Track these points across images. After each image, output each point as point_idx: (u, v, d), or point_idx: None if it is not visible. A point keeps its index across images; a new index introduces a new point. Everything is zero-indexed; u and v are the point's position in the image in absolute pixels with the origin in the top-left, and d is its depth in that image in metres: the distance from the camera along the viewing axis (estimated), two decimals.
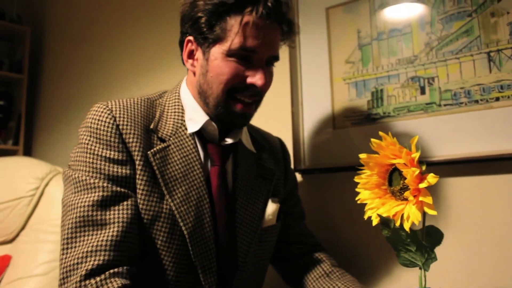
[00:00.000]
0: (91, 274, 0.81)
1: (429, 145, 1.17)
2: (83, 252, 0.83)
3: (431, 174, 0.65)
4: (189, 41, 1.00)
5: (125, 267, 0.85)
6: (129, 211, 0.89)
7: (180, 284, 0.94)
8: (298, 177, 1.38)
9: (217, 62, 0.95)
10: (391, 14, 1.28)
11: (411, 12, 1.25)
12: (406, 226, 0.65)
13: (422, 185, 0.64)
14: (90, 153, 0.92)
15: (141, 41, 1.97)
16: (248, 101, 0.98)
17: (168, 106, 1.03)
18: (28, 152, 2.52)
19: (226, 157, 1.03)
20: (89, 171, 0.90)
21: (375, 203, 0.71)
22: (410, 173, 0.65)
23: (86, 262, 0.82)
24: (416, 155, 0.65)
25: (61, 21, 2.50)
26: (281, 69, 1.46)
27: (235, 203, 1.03)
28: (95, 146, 0.92)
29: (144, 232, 0.91)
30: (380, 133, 0.70)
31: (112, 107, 0.95)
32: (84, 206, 0.86)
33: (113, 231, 0.85)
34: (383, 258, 1.23)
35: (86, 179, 0.89)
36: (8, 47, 2.74)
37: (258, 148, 1.13)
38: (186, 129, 1.00)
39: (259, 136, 1.19)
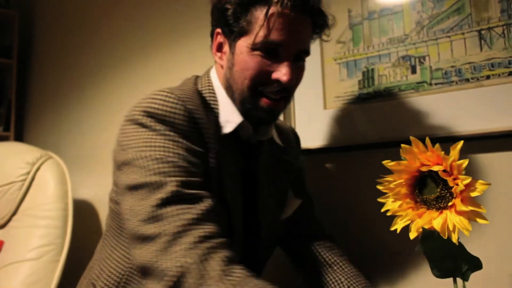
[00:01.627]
0: (199, 242, 0.75)
1: (420, 123, 1.17)
2: (182, 223, 0.77)
3: (480, 181, 0.60)
4: (218, 33, 0.97)
5: (223, 239, 0.79)
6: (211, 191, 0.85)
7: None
8: None
9: (243, 56, 0.91)
10: None
11: None
12: (455, 238, 0.60)
13: (475, 194, 0.60)
14: (170, 140, 0.85)
15: (135, 25, 1.94)
16: (275, 97, 0.93)
17: (208, 101, 0.97)
18: (19, 137, 2.50)
19: (255, 154, 1.02)
20: (174, 153, 0.84)
21: (409, 215, 0.65)
22: (459, 182, 0.60)
23: (191, 230, 0.76)
24: (464, 163, 0.61)
25: (50, 5, 2.46)
26: None
27: (260, 197, 1.03)
28: (174, 136, 0.86)
29: None
30: (411, 138, 0.64)
31: (182, 97, 0.90)
32: (174, 182, 0.80)
33: (207, 205, 0.81)
34: (375, 238, 1.24)
35: (173, 159, 0.83)
36: None
37: (283, 142, 1.12)
38: (222, 127, 0.95)
39: (277, 128, 1.15)
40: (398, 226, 0.65)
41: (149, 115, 0.86)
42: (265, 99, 0.93)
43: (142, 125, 0.86)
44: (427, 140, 0.62)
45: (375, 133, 1.23)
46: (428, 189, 0.64)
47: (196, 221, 0.77)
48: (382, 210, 0.67)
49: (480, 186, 0.59)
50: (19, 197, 1.52)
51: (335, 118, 1.30)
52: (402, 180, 0.66)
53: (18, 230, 1.48)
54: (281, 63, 0.90)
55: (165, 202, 0.78)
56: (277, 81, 0.91)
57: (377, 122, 1.23)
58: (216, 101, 0.97)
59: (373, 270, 1.22)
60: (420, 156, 0.64)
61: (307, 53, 0.96)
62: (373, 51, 1.27)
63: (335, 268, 1.12)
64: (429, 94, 1.17)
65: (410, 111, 1.19)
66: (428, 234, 0.64)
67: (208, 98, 0.97)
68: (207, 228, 0.77)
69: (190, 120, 0.88)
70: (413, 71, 1.20)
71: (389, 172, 0.67)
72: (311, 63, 1.35)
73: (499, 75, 1.10)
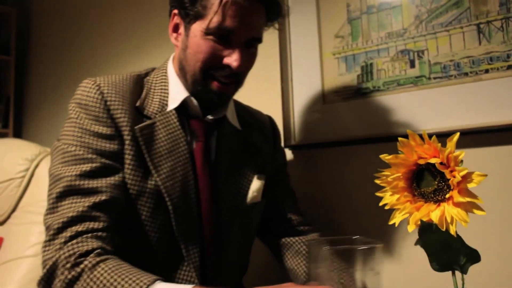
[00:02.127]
0: (75, 236, 0.83)
1: (418, 118, 1.17)
2: (67, 217, 0.84)
3: (477, 173, 0.60)
4: (174, 14, 1.00)
5: (108, 234, 0.87)
6: (117, 183, 0.90)
7: (164, 257, 0.95)
8: (288, 153, 1.38)
9: (196, 40, 0.94)
10: None
11: None
12: (453, 230, 0.60)
13: (472, 185, 0.60)
14: (79, 127, 0.93)
15: (133, 19, 1.94)
16: (225, 81, 0.97)
17: (155, 83, 1.03)
18: (18, 134, 2.50)
19: (210, 132, 1.03)
20: (77, 145, 0.91)
21: (407, 208, 0.65)
22: (456, 173, 0.60)
23: (71, 226, 0.84)
24: (461, 154, 0.60)
25: (48, 1, 2.46)
26: (270, 44, 1.44)
27: (221, 179, 1.03)
28: (84, 121, 0.93)
29: (129, 206, 0.92)
30: (408, 131, 0.64)
31: (100, 83, 0.96)
32: (72, 175, 0.87)
33: (100, 199, 0.87)
34: (374, 230, 1.24)
35: (75, 151, 0.90)
36: None
37: (245, 125, 1.12)
38: (168, 106, 1.00)
39: (247, 114, 1.18)
40: (396, 219, 0.65)
41: (72, 101, 0.96)
42: (216, 82, 0.97)
43: (68, 113, 0.96)
44: (424, 132, 0.62)
45: (374, 128, 1.23)
46: (426, 182, 0.64)
47: (81, 216, 0.85)
48: (380, 204, 0.67)
49: (477, 178, 0.59)
50: (18, 194, 1.52)
51: (335, 113, 1.30)
52: (399, 174, 0.65)
53: (18, 227, 1.47)
54: (232, 49, 0.94)
55: (62, 195, 0.87)
56: (228, 66, 0.95)
57: (376, 116, 1.23)
58: (166, 82, 1.02)
59: None
60: (417, 149, 0.63)
61: (259, 40, 1.00)
62: (371, 46, 1.27)
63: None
64: (428, 88, 1.17)
65: (409, 105, 1.18)
66: (426, 227, 0.63)
67: (156, 80, 1.03)
68: (88, 224, 0.85)
69: (102, 102, 0.93)
70: (412, 65, 1.20)
71: (388, 166, 0.67)
72: (310, 57, 1.35)
73: (497, 69, 1.09)
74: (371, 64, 1.26)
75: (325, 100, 1.32)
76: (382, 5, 1.26)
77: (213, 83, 0.97)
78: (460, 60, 1.14)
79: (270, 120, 1.24)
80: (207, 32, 0.93)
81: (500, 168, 1.09)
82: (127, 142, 0.93)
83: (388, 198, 0.66)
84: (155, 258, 0.94)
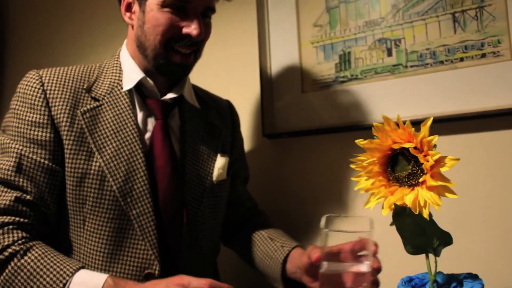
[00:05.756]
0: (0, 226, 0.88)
1: (395, 106, 1.18)
2: None
3: (449, 157, 0.61)
4: None
5: (34, 225, 0.92)
6: (45, 179, 0.94)
7: (119, 236, 0.96)
8: (267, 142, 1.39)
9: (153, 13, 0.97)
10: None
11: None
12: (425, 213, 0.61)
13: (444, 169, 0.61)
14: (15, 117, 0.96)
15: (112, 7, 1.91)
16: (186, 51, 1.01)
17: (107, 68, 1.06)
18: None
19: (168, 111, 1.05)
20: (13, 135, 0.95)
21: (382, 192, 0.66)
22: (429, 158, 0.61)
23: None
24: (434, 139, 0.61)
25: None
26: (249, 33, 1.44)
27: (185, 157, 1.05)
28: (20, 110, 0.96)
29: (75, 191, 0.95)
30: (383, 115, 0.65)
31: (42, 73, 0.99)
32: (2, 168, 0.92)
33: (25, 195, 0.91)
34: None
35: (8, 143, 0.94)
36: None
37: (204, 106, 1.15)
38: (122, 88, 1.02)
39: (205, 95, 1.21)
40: (371, 204, 0.66)
41: (15, 92, 1.00)
42: (177, 55, 1.00)
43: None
44: (398, 117, 0.63)
45: (352, 116, 1.24)
46: (400, 166, 0.65)
47: (7, 209, 0.89)
48: (356, 188, 0.68)
49: (449, 162, 0.60)
50: None
51: (313, 101, 1.31)
52: (374, 159, 0.66)
53: None
54: (190, 19, 0.98)
55: None
56: (188, 35, 0.98)
57: (354, 104, 1.24)
58: (117, 66, 1.05)
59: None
60: (391, 134, 0.64)
61: (213, 10, 1.04)
62: (349, 34, 1.27)
63: (273, 237, 1.14)
64: (405, 76, 1.19)
65: (386, 93, 1.20)
66: (400, 211, 0.65)
67: (108, 65, 1.06)
68: (14, 218, 0.89)
69: (40, 91, 0.97)
70: (389, 54, 1.21)
71: (364, 152, 0.68)
72: (289, 46, 1.35)
73: (472, 57, 1.11)
74: (349, 52, 1.27)
75: (303, 89, 1.33)
76: None
77: (174, 55, 1.00)
78: (436, 48, 1.15)
79: (228, 104, 1.27)
80: (164, 4, 0.96)
81: (475, 154, 1.11)
82: (66, 128, 0.95)
83: (363, 183, 0.68)
84: (110, 238, 0.95)
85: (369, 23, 1.25)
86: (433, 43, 1.16)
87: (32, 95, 0.96)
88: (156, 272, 0.95)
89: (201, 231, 1.05)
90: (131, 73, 1.03)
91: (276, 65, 1.37)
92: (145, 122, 1.03)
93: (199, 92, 1.19)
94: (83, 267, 0.87)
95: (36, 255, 0.86)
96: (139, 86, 1.03)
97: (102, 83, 1.02)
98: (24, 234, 0.89)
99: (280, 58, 1.37)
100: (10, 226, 0.88)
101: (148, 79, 1.03)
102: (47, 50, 2.17)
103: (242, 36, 1.47)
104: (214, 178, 1.09)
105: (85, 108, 0.97)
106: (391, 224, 0.67)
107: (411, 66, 1.18)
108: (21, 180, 0.91)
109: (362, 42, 1.25)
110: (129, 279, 0.95)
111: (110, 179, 0.94)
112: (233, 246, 1.24)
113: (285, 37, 1.36)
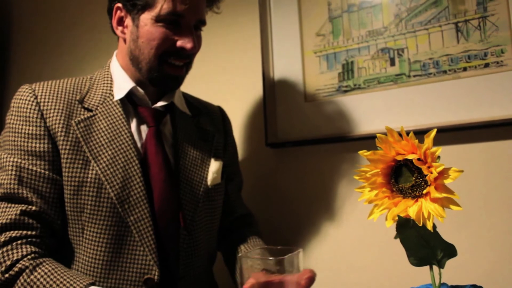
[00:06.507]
0: (8, 242, 0.89)
1: (398, 115, 1.18)
2: (1, 223, 0.90)
3: (453, 168, 0.60)
4: (118, 8, 1.04)
5: (42, 239, 0.92)
6: (47, 189, 0.95)
7: (118, 243, 0.97)
8: (270, 151, 1.39)
9: (147, 28, 1.00)
10: None
11: None
12: (429, 225, 0.61)
13: (448, 181, 0.60)
14: (11, 132, 0.98)
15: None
16: (179, 64, 1.03)
17: (98, 80, 1.08)
18: None
19: (159, 118, 1.07)
20: (10, 149, 0.96)
21: (385, 203, 0.65)
22: (433, 169, 0.60)
23: (5, 231, 0.90)
24: (437, 150, 0.61)
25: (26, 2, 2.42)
26: (252, 42, 1.45)
27: (179, 163, 1.06)
28: (15, 124, 0.98)
29: (72, 199, 0.96)
30: (386, 127, 0.64)
31: (35, 87, 1.01)
32: (3, 184, 0.93)
33: (30, 206, 0.92)
34: (355, 231, 1.25)
35: (5, 157, 0.95)
36: None
37: (195, 112, 1.17)
38: (113, 97, 1.04)
39: (197, 102, 1.23)
40: (374, 215, 0.66)
41: (10, 107, 1.01)
42: (171, 67, 1.03)
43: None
44: (402, 129, 0.63)
45: (355, 126, 1.24)
46: (404, 178, 0.64)
47: (14, 223, 0.90)
48: (359, 199, 0.68)
49: (453, 173, 0.60)
50: None
51: (316, 110, 1.31)
52: (378, 170, 0.66)
53: None
54: (184, 33, 1.01)
55: None
56: (182, 48, 1.01)
57: (357, 114, 1.24)
58: (108, 77, 1.07)
59: (344, 259, 1.24)
60: (395, 145, 0.64)
61: (204, 23, 1.07)
62: (352, 44, 1.28)
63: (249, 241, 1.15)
64: (408, 86, 1.19)
65: (389, 103, 1.20)
66: (404, 222, 0.64)
67: (99, 77, 1.08)
68: (22, 231, 0.90)
69: (33, 104, 0.98)
70: (392, 63, 1.21)
71: (368, 162, 0.68)
72: (291, 56, 1.36)
73: (475, 67, 1.11)
74: (351, 62, 1.27)
75: (306, 98, 1.33)
76: (363, 4, 1.27)
77: (167, 68, 1.03)
78: (439, 58, 1.15)
79: (220, 110, 1.28)
80: (158, 19, 0.98)
81: (478, 164, 1.11)
82: (61, 138, 0.96)
83: (366, 194, 0.67)
84: (109, 245, 0.96)
85: (372, 32, 1.25)
86: (436, 52, 1.16)
87: (27, 108, 0.98)
88: (156, 277, 0.96)
89: (198, 235, 1.06)
90: (122, 83, 1.05)
91: (279, 74, 1.38)
92: (138, 130, 1.04)
93: (189, 99, 1.21)
94: (93, 284, 0.87)
95: (46, 270, 0.87)
96: (130, 95, 1.05)
97: (94, 94, 1.04)
98: (33, 249, 0.89)
99: (283, 67, 1.37)
100: (19, 241, 0.89)
101: (138, 88, 1.05)
102: (49, 61, 2.18)
103: (245, 45, 1.47)
104: (209, 182, 1.10)
105: (79, 118, 0.99)
106: (395, 237, 0.67)
107: (414, 76, 1.18)
108: (24, 192, 0.93)
109: (365, 52, 1.25)
110: (128, 285, 0.96)
111: (107, 186, 0.96)
112: (219, 250, 1.25)
113: (288, 47, 1.37)
